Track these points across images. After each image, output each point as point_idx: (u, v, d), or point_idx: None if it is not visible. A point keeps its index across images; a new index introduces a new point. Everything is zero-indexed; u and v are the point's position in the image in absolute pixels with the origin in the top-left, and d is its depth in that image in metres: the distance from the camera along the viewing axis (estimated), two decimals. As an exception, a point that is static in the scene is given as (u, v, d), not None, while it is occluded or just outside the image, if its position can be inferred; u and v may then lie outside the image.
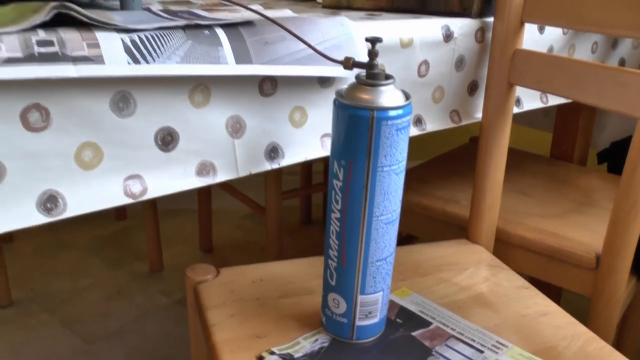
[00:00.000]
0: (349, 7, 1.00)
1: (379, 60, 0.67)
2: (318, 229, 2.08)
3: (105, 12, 0.68)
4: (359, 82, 0.58)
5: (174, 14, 0.72)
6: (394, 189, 0.60)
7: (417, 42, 0.79)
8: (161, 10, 0.76)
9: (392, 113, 0.56)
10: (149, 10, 0.77)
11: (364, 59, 0.69)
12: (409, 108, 0.58)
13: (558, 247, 0.93)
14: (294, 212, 2.12)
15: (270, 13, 0.79)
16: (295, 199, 2.08)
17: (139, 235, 1.96)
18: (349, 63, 0.60)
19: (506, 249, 0.97)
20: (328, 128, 0.72)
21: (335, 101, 0.59)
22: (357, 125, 0.56)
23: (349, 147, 0.58)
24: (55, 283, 1.72)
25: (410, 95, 0.58)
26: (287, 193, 1.44)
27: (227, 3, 0.98)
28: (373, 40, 0.57)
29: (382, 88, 0.57)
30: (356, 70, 0.61)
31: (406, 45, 0.77)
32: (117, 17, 0.64)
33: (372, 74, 0.58)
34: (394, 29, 0.77)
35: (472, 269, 0.84)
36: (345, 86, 0.60)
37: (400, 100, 0.57)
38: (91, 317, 1.58)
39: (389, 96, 0.57)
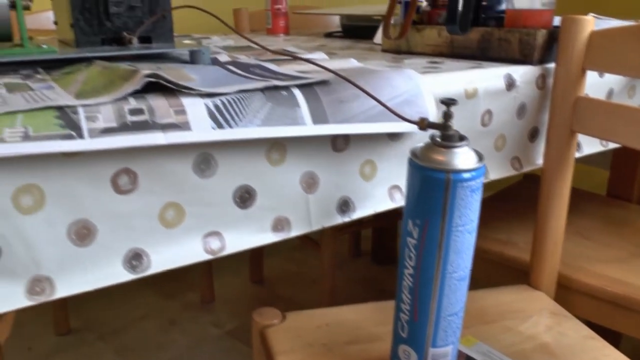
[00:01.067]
0: (409, 52, 1.01)
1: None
2: (367, 261, 2.09)
3: (182, 69, 0.71)
4: (434, 143, 0.59)
5: (246, 68, 0.74)
6: (466, 247, 0.61)
7: (481, 92, 0.80)
8: (232, 64, 0.78)
9: (466, 175, 0.57)
10: (220, 64, 0.80)
11: (433, 113, 0.70)
12: (482, 169, 0.59)
13: (624, 294, 0.92)
14: (343, 243, 2.13)
15: (336, 63, 0.82)
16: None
17: (191, 266, 1.99)
18: (423, 124, 0.62)
19: (568, 295, 0.96)
20: (396, 180, 0.74)
21: (410, 161, 0.60)
22: (432, 186, 0.58)
23: (424, 207, 0.59)
24: (110, 312, 1.76)
25: (483, 156, 0.59)
26: (341, 230, 1.45)
27: (291, 51, 1.00)
28: (448, 103, 0.59)
29: (457, 149, 0.58)
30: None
31: (471, 96, 0.78)
32: (194, 76, 0.67)
33: (446, 135, 0.59)
34: (459, 80, 0.78)
35: (535, 316, 0.84)
36: (419, 144, 0.61)
37: (474, 161, 0.58)
38: (145, 346, 1.61)
39: (463, 157, 0.58)
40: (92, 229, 0.56)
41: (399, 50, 1.03)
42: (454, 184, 0.57)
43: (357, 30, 1.44)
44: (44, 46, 0.81)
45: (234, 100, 0.59)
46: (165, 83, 0.57)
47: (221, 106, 0.58)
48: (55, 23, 1.03)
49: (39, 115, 0.52)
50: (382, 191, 0.73)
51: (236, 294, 1.88)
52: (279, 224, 0.66)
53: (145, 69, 0.69)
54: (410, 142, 0.73)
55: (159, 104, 0.56)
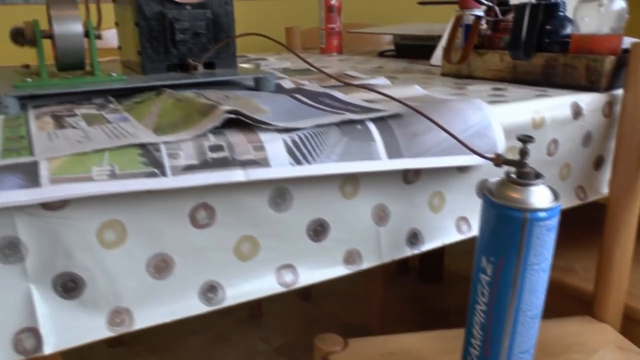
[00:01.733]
0: (470, 76, 1.01)
1: (511, 141, 0.68)
2: (414, 277, 2.07)
3: (251, 99, 0.72)
4: (509, 180, 0.59)
5: (315, 98, 0.75)
6: (540, 285, 0.60)
7: (547, 121, 0.79)
8: (299, 92, 0.79)
9: (543, 214, 0.57)
10: (286, 92, 0.81)
11: (502, 145, 0.70)
12: (558, 208, 0.58)
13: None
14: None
15: (401, 91, 0.82)
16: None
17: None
18: (499, 160, 0.61)
19: (635, 327, 0.94)
20: (463, 211, 0.73)
21: (484, 197, 0.60)
22: (508, 224, 0.57)
23: (499, 245, 0.58)
24: (162, 327, 1.77)
25: (559, 194, 0.59)
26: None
27: (352, 75, 1.01)
28: (525, 140, 0.58)
29: (533, 187, 0.58)
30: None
31: (538, 125, 0.78)
32: (266, 107, 0.68)
33: (523, 173, 0.58)
34: (526, 110, 0.77)
35: (602, 351, 0.83)
36: (493, 180, 0.61)
37: (550, 199, 0.58)
38: (195, 361, 1.63)
39: (540, 196, 0.57)
40: (169, 262, 0.57)
41: (460, 75, 1.03)
42: (530, 223, 0.56)
43: (410, 49, 1.44)
44: (114, 74, 0.83)
45: (310, 135, 0.59)
46: (244, 119, 0.57)
47: (298, 141, 0.58)
48: (119, 47, 1.05)
49: (123, 152, 0.53)
50: (450, 223, 0.73)
51: (284, 310, 1.88)
52: (351, 257, 0.66)
53: (213, 97, 0.71)
54: (477, 173, 0.73)
55: (238, 140, 0.56)
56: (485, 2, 0.98)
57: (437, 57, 1.21)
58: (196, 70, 0.86)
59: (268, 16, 2.42)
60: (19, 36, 0.89)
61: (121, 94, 0.80)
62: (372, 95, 0.76)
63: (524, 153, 0.59)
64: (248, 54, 1.52)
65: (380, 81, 0.94)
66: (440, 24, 1.58)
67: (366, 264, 0.66)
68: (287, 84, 0.91)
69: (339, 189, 0.63)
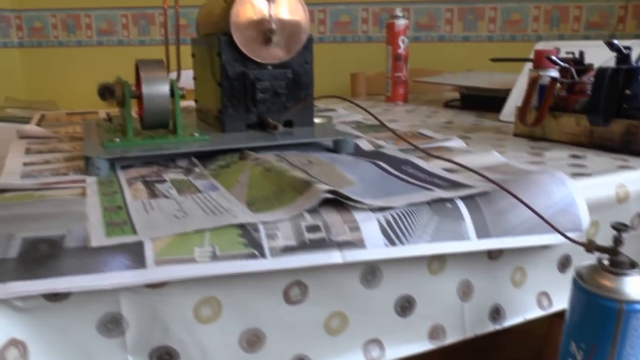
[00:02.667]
0: (544, 139, 1.00)
1: (593, 216, 0.67)
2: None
3: (335, 166, 0.73)
4: (603, 268, 0.58)
5: (398, 166, 0.76)
6: (635, 374, 0.59)
7: (632, 195, 0.78)
8: (380, 158, 0.80)
9: (640, 306, 0.56)
10: (367, 155, 0.81)
11: (586, 222, 0.69)
12: (655, 299, 0.57)
13: None
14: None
15: (480, 158, 0.82)
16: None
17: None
18: (591, 246, 0.61)
19: None
20: (544, 286, 0.73)
21: (575, 282, 0.59)
22: (602, 314, 0.57)
23: (591, 332, 0.58)
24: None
25: (655, 284, 0.58)
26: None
27: (426, 134, 1.01)
28: (619, 229, 0.58)
29: (628, 277, 0.57)
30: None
31: (622, 200, 0.77)
32: (352, 177, 0.69)
33: (617, 261, 0.58)
34: (610, 183, 0.77)
35: None
36: (584, 264, 0.60)
37: (646, 289, 0.57)
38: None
39: (635, 286, 0.57)
40: (261, 337, 0.58)
41: (533, 136, 1.02)
42: (627, 314, 0.56)
43: (477, 100, 1.45)
44: (196, 134, 0.85)
45: (403, 214, 0.60)
46: (341, 199, 0.59)
47: (392, 221, 0.59)
48: (196, 101, 1.08)
49: (223, 232, 0.54)
50: (531, 298, 0.72)
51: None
52: (435, 332, 0.66)
53: (297, 162, 0.72)
54: (559, 248, 0.73)
55: (334, 219, 0.57)
56: (562, 63, 0.98)
57: (507, 113, 1.21)
58: (276, 130, 0.88)
59: (332, 59, 2.45)
60: (107, 93, 0.92)
61: (205, 155, 0.82)
62: (452, 164, 0.76)
63: (618, 241, 0.58)
64: (317, 103, 1.54)
65: (455, 143, 0.94)
66: (505, 73, 1.58)
67: (450, 339, 0.66)
68: (365, 144, 0.92)
69: (427, 265, 0.63)
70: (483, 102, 1.41)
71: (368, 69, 2.00)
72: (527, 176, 0.72)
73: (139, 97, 0.83)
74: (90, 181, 0.71)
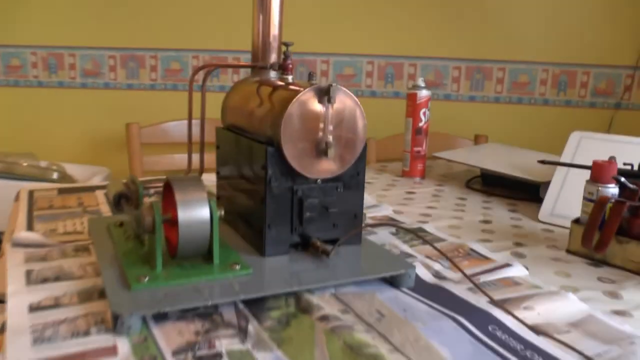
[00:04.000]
0: (604, 262, 0.91)
1: None
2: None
3: (418, 331, 0.63)
4: None
5: (485, 328, 0.66)
6: None
7: None
8: (463, 315, 0.69)
9: None
10: (448, 310, 0.71)
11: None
12: None
13: None
14: None
15: (554, 305, 0.73)
16: None
17: None
18: None
19: None
20: None
21: None
22: None
23: None
24: None
25: None
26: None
27: (479, 253, 0.91)
28: None
29: None
30: None
31: None
32: (444, 352, 0.58)
33: None
34: None
35: None
36: None
37: None
38: None
39: None
40: None
41: (592, 257, 0.92)
42: None
43: (497, 181, 1.36)
44: (237, 267, 0.72)
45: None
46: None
47: None
48: (218, 198, 0.96)
49: None
50: None
51: None
52: None
53: (369, 318, 0.62)
54: None
55: None
56: (631, 185, 0.89)
57: (545, 213, 1.12)
58: (325, 255, 0.76)
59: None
60: (123, 200, 0.80)
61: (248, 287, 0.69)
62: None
63: None
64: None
65: (517, 271, 0.84)
66: (519, 149, 1.49)
67: None
68: (422, 271, 0.81)
69: None
70: (507, 184, 1.34)
71: (373, 128, 1.90)
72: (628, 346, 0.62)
73: (170, 221, 0.71)
74: (122, 345, 0.58)
